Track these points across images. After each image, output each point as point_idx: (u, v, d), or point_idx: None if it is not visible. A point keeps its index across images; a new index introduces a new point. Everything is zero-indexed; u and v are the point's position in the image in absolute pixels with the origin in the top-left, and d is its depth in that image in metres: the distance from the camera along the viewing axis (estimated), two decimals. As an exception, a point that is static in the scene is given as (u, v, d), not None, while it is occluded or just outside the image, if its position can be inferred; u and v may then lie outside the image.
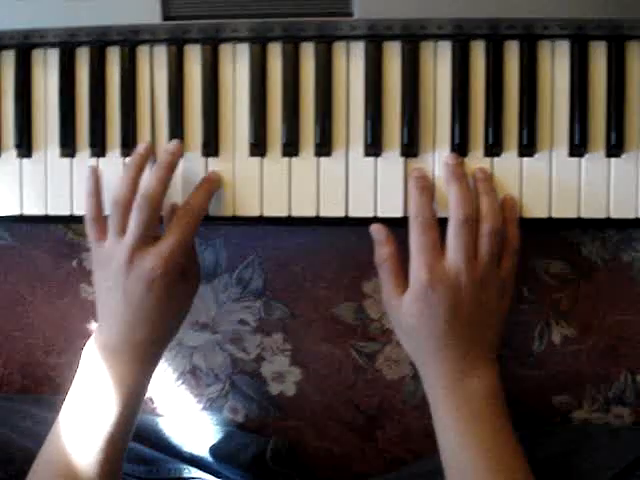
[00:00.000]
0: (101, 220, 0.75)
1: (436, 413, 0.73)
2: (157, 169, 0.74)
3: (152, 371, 0.76)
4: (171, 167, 0.75)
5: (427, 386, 0.74)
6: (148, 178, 0.73)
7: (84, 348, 0.75)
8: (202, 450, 0.88)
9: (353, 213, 0.77)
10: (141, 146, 0.76)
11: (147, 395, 0.88)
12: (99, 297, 0.76)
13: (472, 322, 0.72)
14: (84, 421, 0.72)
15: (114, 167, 0.78)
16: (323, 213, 0.77)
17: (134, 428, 0.75)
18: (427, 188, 0.74)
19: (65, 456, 0.71)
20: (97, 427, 0.71)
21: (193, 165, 0.78)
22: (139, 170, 0.75)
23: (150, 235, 0.73)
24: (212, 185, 0.77)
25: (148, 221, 0.72)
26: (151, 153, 0.77)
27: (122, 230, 0.73)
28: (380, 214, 0.76)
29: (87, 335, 0.86)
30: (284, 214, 0.77)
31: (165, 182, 0.74)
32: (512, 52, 0.76)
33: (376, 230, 0.76)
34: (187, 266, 0.76)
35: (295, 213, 0.77)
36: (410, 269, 0.73)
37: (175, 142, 0.76)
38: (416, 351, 0.75)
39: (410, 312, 0.73)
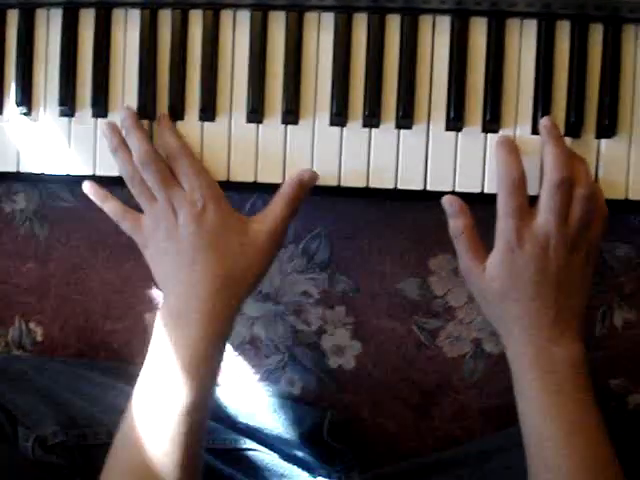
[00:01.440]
0: (128, 211, 0.77)
1: (518, 382, 0.72)
2: (129, 134, 0.76)
3: (225, 337, 0.74)
4: (135, 125, 0.76)
5: (511, 354, 0.73)
6: (131, 147, 0.76)
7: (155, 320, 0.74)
8: (258, 421, 0.88)
9: (431, 187, 0.77)
10: (124, 113, 0.77)
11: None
12: (157, 273, 0.76)
13: (561, 286, 0.71)
14: (160, 394, 0.70)
15: (193, 131, 0.78)
16: (401, 186, 0.77)
17: (212, 399, 0.74)
18: (514, 149, 0.74)
19: (142, 433, 0.69)
20: (174, 399, 0.70)
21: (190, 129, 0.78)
22: (124, 146, 0.76)
23: (174, 181, 0.75)
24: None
25: (162, 172, 0.74)
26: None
27: (151, 196, 0.75)
28: (458, 189, 0.77)
29: (147, 301, 0.87)
30: (362, 184, 0.77)
31: (143, 136, 0.76)
32: (597, 35, 0.76)
33: (449, 201, 0.75)
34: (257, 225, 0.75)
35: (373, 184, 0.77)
36: (496, 231, 0.72)
37: (123, 109, 0.78)
38: (501, 318, 0.74)
39: (495, 275, 0.72)
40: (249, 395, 0.89)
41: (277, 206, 0.75)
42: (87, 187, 0.78)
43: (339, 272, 0.86)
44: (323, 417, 0.87)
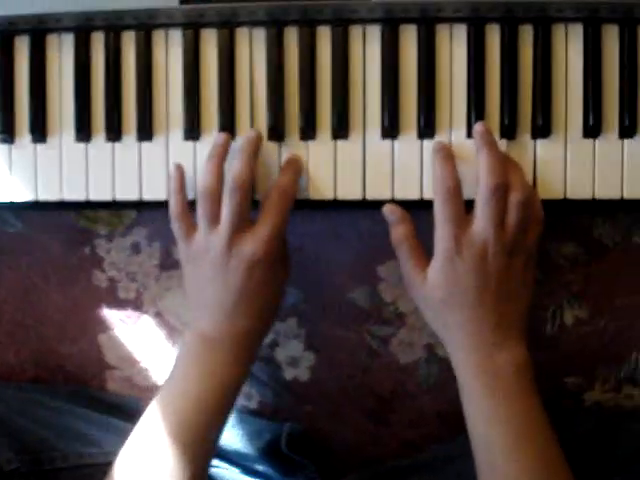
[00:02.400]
0: (187, 215, 0.75)
1: (464, 388, 0.73)
2: (242, 155, 0.74)
3: (250, 363, 0.76)
4: (254, 151, 0.75)
5: (455, 362, 0.73)
6: (234, 166, 0.73)
7: (181, 339, 0.75)
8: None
9: (370, 195, 0.77)
10: (220, 137, 0.76)
11: (160, 383, 0.88)
12: (193, 290, 0.76)
13: (501, 292, 0.71)
14: (178, 410, 0.72)
15: (130, 151, 0.78)
16: (340, 196, 0.77)
17: (227, 422, 0.75)
18: (451, 157, 0.74)
19: (153, 447, 0.71)
20: (190, 417, 0.71)
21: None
22: (222, 159, 0.75)
23: (246, 219, 0.73)
24: (297, 166, 0.77)
25: (242, 205, 0.72)
26: (229, 143, 0.76)
27: (215, 220, 0.73)
28: (397, 196, 0.77)
29: (100, 322, 0.87)
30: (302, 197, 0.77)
31: (252, 167, 0.74)
32: (527, 36, 0.76)
33: (390, 210, 0.76)
34: (283, 250, 0.77)
35: (312, 196, 0.77)
36: (435, 239, 0.72)
37: (252, 130, 0.76)
38: (443, 326, 0.74)
39: (437, 284, 0.72)
40: (207, 411, 0.89)
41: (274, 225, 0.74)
42: (176, 167, 0.77)
43: (288, 284, 0.86)
44: (281, 430, 0.87)
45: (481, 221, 0.71)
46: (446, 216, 0.72)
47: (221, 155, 0.75)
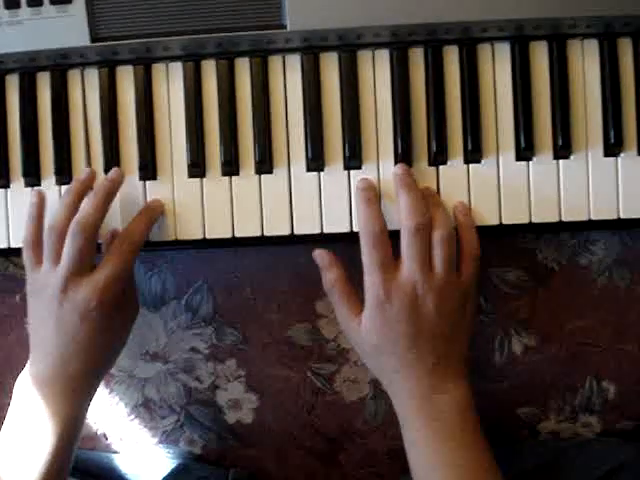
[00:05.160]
0: (39, 246, 0.72)
1: (406, 431, 0.70)
2: (93, 195, 0.71)
3: (88, 403, 0.73)
4: (108, 194, 0.71)
5: (396, 404, 0.71)
6: (81, 207, 0.70)
7: (17, 380, 0.71)
8: (160, 485, 0.85)
9: (298, 230, 0.74)
10: (84, 172, 0.74)
11: (100, 431, 0.85)
12: (33, 326, 0.73)
13: (435, 334, 0.69)
14: (19, 455, 0.68)
15: (50, 196, 0.75)
16: (267, 232, 0.74)
17: (71, 463, 0.71)
18: (373, 200, 0.72)
19: None
20: (32, 461, 0.68)
21: (131, 190, 0.75)
22: (78, 197, 0.72)
23: (86, 263, 0.70)
24: (153, 212, 0.74)
25: (82, 249, 0.69)
26: (93, 180, 0.74)
27: (57, 257, 0.70)
28: (326, 230, 0.74)
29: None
30: (228, 235, 0.75)
31: (101, 209, 0.70)
32: (452, 57, 0.74)
33: (319, 256, 0.74)
34: (124, 296, 0.73)
35: (239, 234, 0.75)
36: (365, 286, 0.70)
37: (115, 170, 0.73)
38: (381, 370, 0.72)
39: (370, 330, 0.70)
40: (149, 459, 0.86)
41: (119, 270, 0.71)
42: (35, 193, 0.74)
43: (226, 324, 0.83)
44: (227, 475, 0.84)
45: (408, 263, 0.70)
46: (374, 263, 0.70)
47: (78, 192, 0.72)
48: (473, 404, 0.70)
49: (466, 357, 0.72)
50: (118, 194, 0.73)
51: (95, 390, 0.73)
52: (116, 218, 0.74)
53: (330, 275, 0.73)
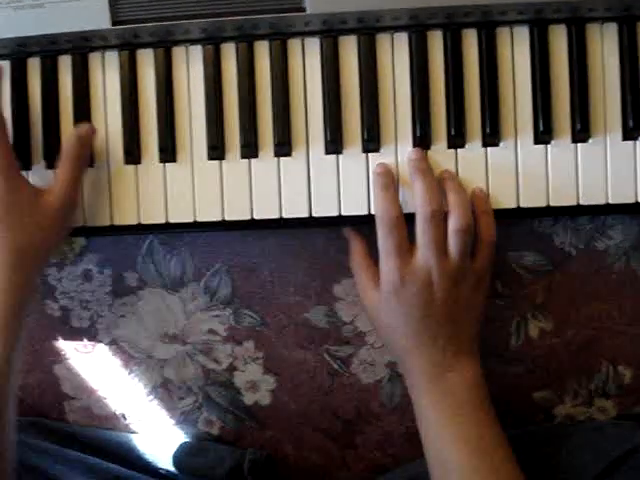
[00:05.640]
0: None
1: (418, 409, 0.72)
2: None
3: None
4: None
5: (409, 383, 0.73)
6: None
7: None
8: (178, 466, 0.86)
9: (317, 213, 0.75)
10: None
11: (119, 412, 0.86)
12: None
13: (447, 318, 0.71)
14: None
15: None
16: (286, 215, 0.75)
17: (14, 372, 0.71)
18: (390, 185, 0.72)
19: None
20: None
21: (152, 172, 0.75)
22: None
23: None
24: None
25: None
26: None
27: None
28: (344, 212, 0.75)
29: (55, 353, 0.85)
30: (246, 217, 0.75)
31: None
32: (471, 40, 0.74)
33: (346, 230, 0.77)
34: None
35: (258, 216, 0.75)
36: (380, 270, 0.72)
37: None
38: (395, 348, 0.74)
39: (383, 312, 0.72)
40: (167, 440, 0.87)
41: (62, 170, 0.72)
42: None
43: (244, 307, 0.84)
44: (244, 456, 0.85)
45: (422, 250, 0.71)
46: (389, 248, 0.71)
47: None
48: (484, 383, 0.72)
49: (477, 338, 0.73)
50: (138, 177, 0.74)
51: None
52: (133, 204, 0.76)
53: (356, 246, 0.76)
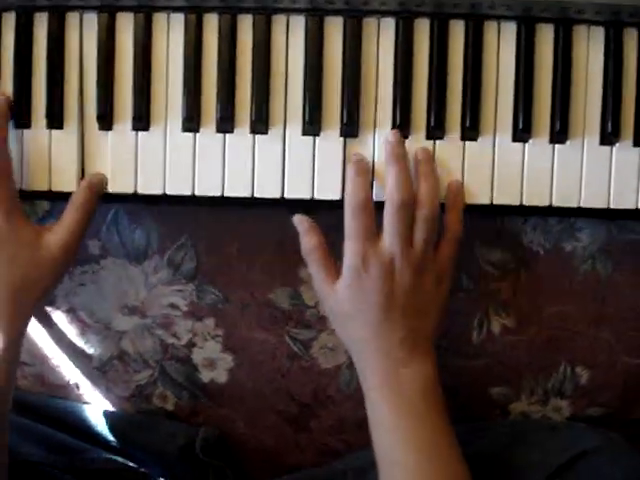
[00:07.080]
0: None
1: (370, 405, 0.71)
2: None
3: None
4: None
5: (362, 377, 0.72)
6: None
7: None
8: (129, 440, 0.85)
9: (289, 194, 0.74)
10: None
11: (73, 381, 0.85)
12: None
13: (407, 309, 0.70)
14: None
15: (41, 140, 0.74)
16: (258, 194, 0.74)
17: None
18: (363, 170, 0.72)
19: None
20: None
21: (123, 139, 0.74)
22: None
23: None
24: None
25: None
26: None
27: None
28: (317, 196, 0.74)
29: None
30: (217, 194, 0.74)
31: None
32: (457, 32, 0.73)
33: (299, 221, 0.74)
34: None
35: (229, 193, 0.74)
36: (344, 253, 0.71)
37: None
38: (351, 340, 0.73)
39: (343, 298, 0.71)
40: (120, 413, 0.86)
41: (68, 214, 0.72)
42: None
43: (207, 283, 0.82)
44: (196, 433, 0.84)
45: (388, 237, 0.70)
46: (354, 231, 0.70)
47: None
48: (438, 382, 0.71)
49: (435, 336, 0.73)
50: (110, 143, 0.73)
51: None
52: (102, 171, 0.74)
53: (309, 240, 0.73)
